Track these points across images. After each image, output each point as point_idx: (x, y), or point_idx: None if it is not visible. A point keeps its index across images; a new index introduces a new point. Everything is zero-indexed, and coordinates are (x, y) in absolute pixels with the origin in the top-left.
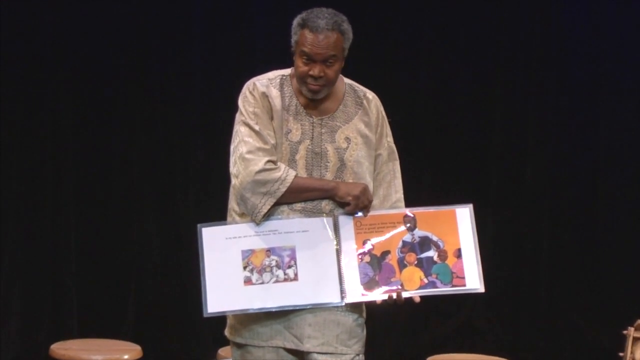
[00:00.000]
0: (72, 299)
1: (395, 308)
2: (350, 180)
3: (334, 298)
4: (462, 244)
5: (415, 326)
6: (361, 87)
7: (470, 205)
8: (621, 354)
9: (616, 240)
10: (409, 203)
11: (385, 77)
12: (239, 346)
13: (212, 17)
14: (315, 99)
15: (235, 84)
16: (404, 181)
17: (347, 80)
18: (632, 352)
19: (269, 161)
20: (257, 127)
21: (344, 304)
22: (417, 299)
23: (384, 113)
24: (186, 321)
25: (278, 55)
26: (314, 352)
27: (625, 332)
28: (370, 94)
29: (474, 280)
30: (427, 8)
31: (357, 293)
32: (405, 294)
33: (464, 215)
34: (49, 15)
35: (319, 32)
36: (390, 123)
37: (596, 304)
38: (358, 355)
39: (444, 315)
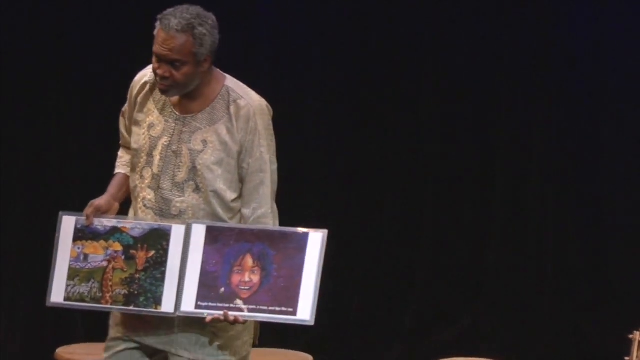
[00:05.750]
0: None
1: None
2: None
3: (168, 308)
4: (304, 270)
5: (420, 331)
6: (239, 93)
7: (325, 231)
8: (627, 359)
9: (622, 242)
10: (408, 206)
11: (385, 77)
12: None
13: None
14: (182, 97)
15: None
16: (412, 183)
17: (229, 83)
18: (637, 357)
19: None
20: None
21: (176, 315)
22: (241, 320)
23: (259, 122)
24: None
25: (279, 55)
26: (147, 344)
27: (631, 336)
28: (244, 102)
29: (305, 311)
30: (429, 7)
31: (191, 305)
32: (232, 314)
33: (315, 241)
34: (49, 14)
35: (166, 32)
36: (272, 118)
37: (602, 308)
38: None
39: (448, 320)
